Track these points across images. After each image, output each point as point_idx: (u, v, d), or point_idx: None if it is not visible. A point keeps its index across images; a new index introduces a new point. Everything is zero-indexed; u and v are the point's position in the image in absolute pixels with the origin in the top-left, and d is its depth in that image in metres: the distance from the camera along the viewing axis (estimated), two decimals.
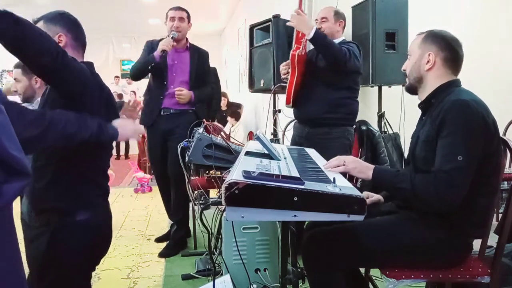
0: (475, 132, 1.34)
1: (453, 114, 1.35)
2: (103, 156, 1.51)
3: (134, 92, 9.02)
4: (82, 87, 1.35)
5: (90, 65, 1.48)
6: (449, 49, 1.49)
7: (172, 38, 2.84)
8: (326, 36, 2.35)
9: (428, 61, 1.49)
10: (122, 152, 8.91)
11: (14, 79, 2.31)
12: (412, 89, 1.59)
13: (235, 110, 5.76)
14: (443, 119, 1.37)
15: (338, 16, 2.59)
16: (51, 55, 1.23)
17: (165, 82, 2.95)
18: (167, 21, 2.98)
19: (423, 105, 1.56)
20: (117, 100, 7.58)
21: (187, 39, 3.07)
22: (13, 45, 1.17)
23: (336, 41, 2.49)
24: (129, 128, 1.52)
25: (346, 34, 3.39)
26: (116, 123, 1.45)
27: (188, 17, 3.01)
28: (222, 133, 2.29)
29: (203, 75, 3.08)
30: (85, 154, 1.38)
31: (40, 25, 1.40)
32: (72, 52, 1.44)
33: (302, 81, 2.51)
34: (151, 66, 2.84)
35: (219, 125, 3.42)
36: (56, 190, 1.33)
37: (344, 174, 1.45)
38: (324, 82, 2.47)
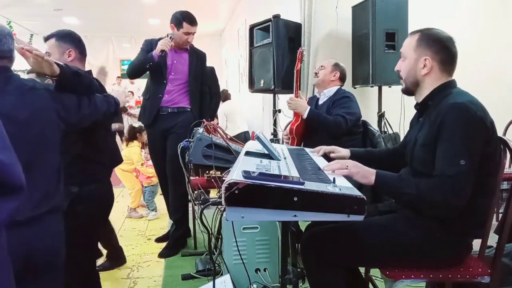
0: (475, 135, 1.34)
1: (452, 117, 1.35)
2: (104, 141, 1.93)
3: (132, 92, 9.00)
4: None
5: (89, 73, 1.84)
6: (444, 51, 1.47)
7: (170, 38, 2.83)
8: (320, 114, 2.53)
9: (424, 66, 1.48)
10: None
11: None
12: (409, 92, 1.58)
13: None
14: (442, 122, 1.36)
15: (336, 67, 2.70)
16: (91, 81, 1.67)
17: (164, 81, 2.95)
18: (178, 29, 2.89)
19: (420, 107, 1.56)
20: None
21: None
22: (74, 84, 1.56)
23: (332, 90, 2.65)
24: (122, 96, 2.11)
25: (346, 34, 3.41)
26: (112, 94, 1.93)
27: None
28: (221, 131, 2.29)
29: (201, 76, 3.09)
30: (91, 143, 1.79)
31: (52, 42, 1.77)
32: (78, 63, 1.82)
33: (302, 143, 2.71)
34: (149, 65, 2.85)
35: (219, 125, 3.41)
36: (73, 171, 1.69)
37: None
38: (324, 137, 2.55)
